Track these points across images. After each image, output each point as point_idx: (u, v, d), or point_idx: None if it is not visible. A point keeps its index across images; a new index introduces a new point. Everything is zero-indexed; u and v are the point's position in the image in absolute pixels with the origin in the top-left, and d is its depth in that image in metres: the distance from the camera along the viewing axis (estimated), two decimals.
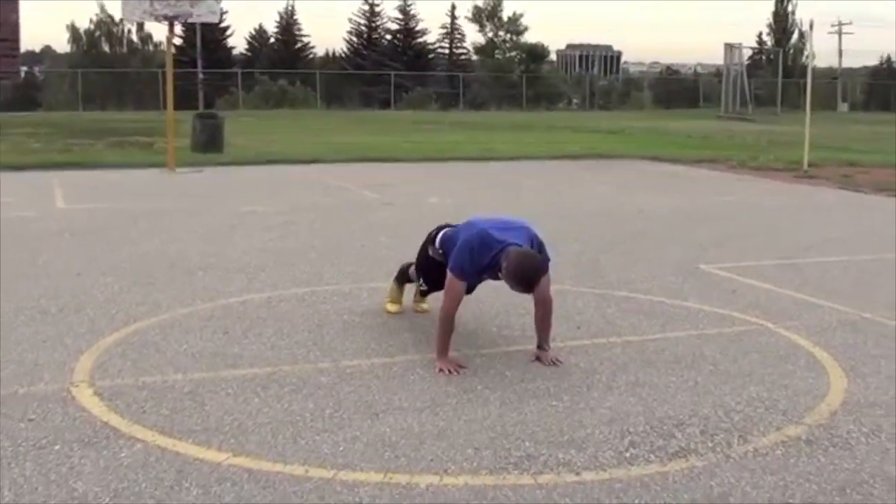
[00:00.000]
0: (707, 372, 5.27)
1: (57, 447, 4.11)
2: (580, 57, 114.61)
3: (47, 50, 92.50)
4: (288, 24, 69.49)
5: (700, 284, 7.60)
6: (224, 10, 65.27)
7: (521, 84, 58.80)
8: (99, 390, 4.87)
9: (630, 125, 33.36)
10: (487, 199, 13.19)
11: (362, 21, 69.53)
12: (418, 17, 69.79)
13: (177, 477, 3.82)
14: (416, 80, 59.54)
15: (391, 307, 6.50)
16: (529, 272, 5.09)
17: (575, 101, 66.97)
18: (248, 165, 18.20)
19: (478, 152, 21.50)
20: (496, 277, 5.28)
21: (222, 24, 65.60)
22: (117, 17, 55.95)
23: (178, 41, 63.77)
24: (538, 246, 5.31)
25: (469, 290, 5.55)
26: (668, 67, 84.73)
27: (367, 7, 69.32)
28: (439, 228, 5.90)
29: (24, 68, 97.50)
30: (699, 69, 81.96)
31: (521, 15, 66.57)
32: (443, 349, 5.28)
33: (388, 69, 60.92)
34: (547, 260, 5.38)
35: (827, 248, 9.35)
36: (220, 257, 8.50)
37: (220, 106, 51.08)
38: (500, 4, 66.22)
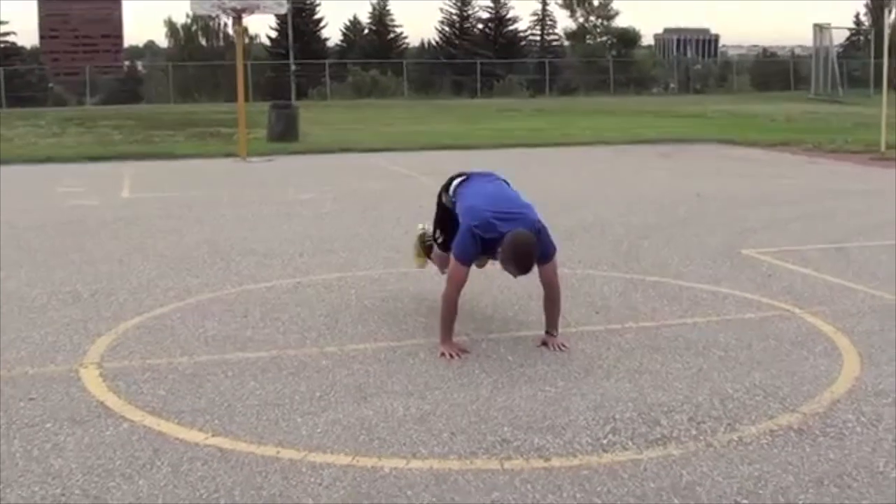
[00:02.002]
0: (715, 358, 5.14)
1: (49, 425, 4.24)
2: (678, 41, 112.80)
3: (150, 45, 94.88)
4: (381, 14, 69.97)
5: (737, 269, 7.43)
6: (317, 1, 66.39)
7: (609, 69, 58.11)
8: (105, 371, 4.99)
9: (716, 108, 32.70)
10: (543, 185, 13.04)
11: (454, 11, 69.57)
12: (509, 5, 69.43)
13: (152, 456, 3.90)
14: (507, 68, 59.33)
15: (417, 260, 6.66)
16: (521, 254, 5.07)
17: (672, 85, 65.90)
18: (321, 154, 18.38)
19: (553, 138, 21.34)
20: (490, 253, 5.29)
21: (316, 16, 66.52)
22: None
23: (272, 33, 64.98)
24: (538, 232, 5.25)
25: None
26: (765, 50, 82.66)
27: None
28: (454, 177, 5.89)
29: (127, 63, 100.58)
30: (798, 51, 79.83)
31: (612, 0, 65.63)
32: (446, 333, 5.27)
33: (479, 58, 60.90)
34: (550, 247, 5.32)
35: (880, 232, 9.01)
36: (262, 244, 8.62)
37: (313, 97, 51.80)
38: None
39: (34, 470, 3.76)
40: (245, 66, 49.43)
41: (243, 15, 16.35)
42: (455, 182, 5.81)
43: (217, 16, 63.28)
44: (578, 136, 21.62)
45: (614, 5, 65.51)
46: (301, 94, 53.87)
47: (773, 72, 66.26)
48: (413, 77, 60.95)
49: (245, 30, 69.37)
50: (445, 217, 5.87)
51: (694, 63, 75.85)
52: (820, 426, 4.17)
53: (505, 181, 5.86)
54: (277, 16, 63.66)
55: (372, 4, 69.89)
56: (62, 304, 6.44)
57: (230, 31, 66.84)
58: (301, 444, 3.99)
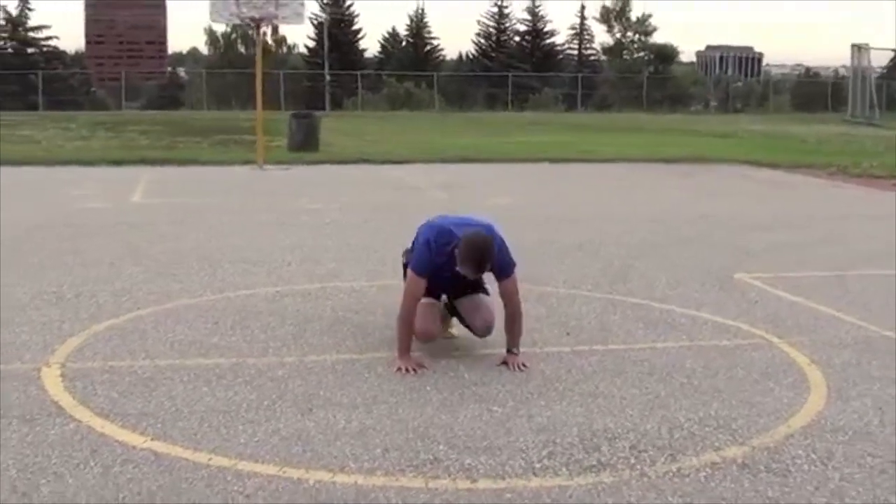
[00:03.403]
0: (676, 385, 5.07)
1: None
2: (720, 58, 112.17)
3: (193, 52, 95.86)
4: (418, 26, 70.25)
5: (724, 293, 7.34)
6: (355, 12, 66.79)
7: (646, 85, 57.88)
8: (66, 371, 5.04)
9: (748, 128, 32.45)
10: (551, 200, 13.09)
11: (491, 23, 69.71)
12: (546, 18, 69.48)
13: (88, 456, 3.94)
14: (543, 82, 59.28)
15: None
16: (474, 250, 5.03)
17: (713, 103, 65.51)
18: (338, 164, 18.44)
19: (575, 153, 21.27)
20: (455, 271, 5.18)
21: (354, 27, 66.94)
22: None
23: (310, 42, 65.54)
24: (497, 244, 5.21)
25: (436, 294, 5.49)
26: (808, 70, 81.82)
27: (495, 9, 69.48)
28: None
29: (169, 69, 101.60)
30: (842, 71, 78.98)
31: (650, 15, 65.41)
32: (403, 348, 5.24)
33: (515, 71, 60.92)
34: (509, 262, 5.28)
35: (886, 260, 8.86)
36: (253, 251, 8.65)
37: (348, 107, 52.09)
38: (628, 4, 65.36)
39: None
40: (279, 74, 50.19)
41: (261, 25, 16.45)
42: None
43: (252, 24, 63.99)
44: (601, 153, 21.53)
45: (652, 21, 65.17)
46: (336, 105, 54.24)
47: (814, 92, 65.62)
48: (448, 89, 61.10)
49: (283, 39, 70.11)
50: None
51: (734, 81, 75.37)
52: (766, 461, 4.08)
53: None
54: (315, 26, 64.66)
55: (409, 16, 70.25)
56: (44, 304, 6.51)
57: (269, 40, 67.76)
58: (234, 453, 3.98)
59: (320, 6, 64.85)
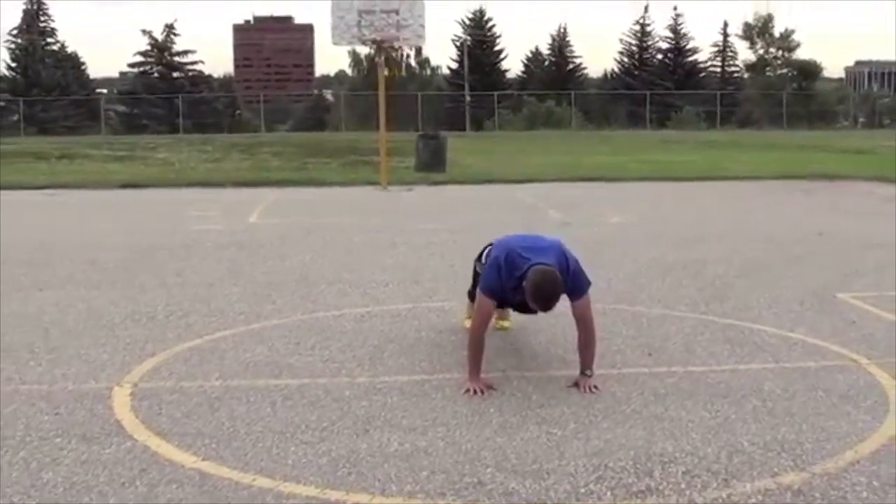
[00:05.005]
0: (749, 408, 4.87)
1: (58, 440, 4.42)
2: (869, 73, 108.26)
3: (340, 74, 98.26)
4: (560, 45, 70.16)
5: (822, 313, 7.02)
6: (497, 33, 67.17)
7: (788, 102, 56.29)
8: (137, 391, 5.17)
9: (885, 144, 31.10)
10: (665, 219, 12.84)
11: (633, 41, 69.08)
12: (689, 35, 68.37)
13: (136, 475, 4.01)
14: (687, 99, 58.31)
15: (466, 322, 6.46)
16: (543, 290, 4.94)
17: (861, 119, 63.25)
18: (463, 185, 18.56)
19: (704, 172, 20.84)
20: (524, 297, 5.14)
21: (496, 48, 67.37)
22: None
23: (452, 64, 66.27)
24: (569, 265, 5.13)
25: (506, 306, 5.47)
26: None
27: (637, 27, 68.83)
28: (487, 245, 5.83)
29: (316, 91, 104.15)
30: None
31: (793, 31, 63.59)
32: (473, 369, 5.20)
33: (656, 88, 60.14)
34: (582, 281, 5.18)
35: None
36: (354, 272, 8.75)
37: (488, 127, 52.44)
38: (771, 20, 63.78)
39: (22, 482, 3.93)
40: (416, 96, 50.89)
41: (383, 45, 16.70)
42: (487, 249, 5.73)
43: (399, 47, 65.25)
44: (730, 171, 21.04)
45: (795, 37, 63.40)
46: (477, 125, 54.63)
47: None
48: (591, 108, 60.76)
49: (427, 60, 71.23)
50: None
51: (882, 97, 72.61)
52: (823, 487, 3.87)
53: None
54: (457, 47, 65.32)
55: (552, 35, 70.18)
56: (133, 324, 6.73)
57: (412, 62, 68.83)
58: (279, 474, 4.01)
59: (462, 28, 65.60)
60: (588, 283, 5.26)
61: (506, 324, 6.36)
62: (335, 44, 16.19)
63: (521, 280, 5.06)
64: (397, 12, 15.88)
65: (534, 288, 4.96)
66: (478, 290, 5.28)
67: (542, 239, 5.39)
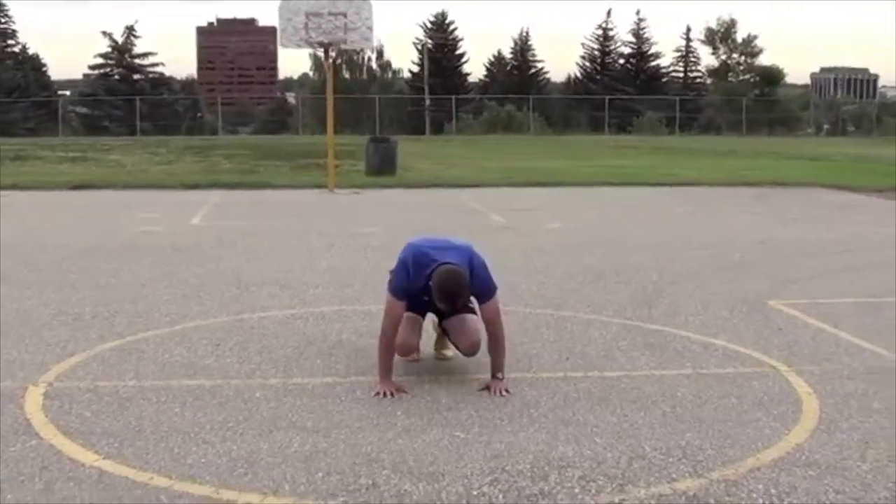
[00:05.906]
0: (658, 414, 4.92)
1: None
2: (834, 80, 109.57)
3: (304, 77, 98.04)
4: (523, 49, 70.46)
5: (749, 321, 7.09)
6: (459, 37, 67.33)
7: (750, 108, 56.83)
8: (51, 390, 5.14)
9: (844, 151, 31.53)
10: (606, 225, 12.91)
11: (595, 45, 69.49)
12: (651, 40, 68.95)
13: (35, 472, 4.02)
14: (648, 105, 58.71)
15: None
16: (447, 288, 4.98)
17: (826, 126, 63.92)
18: (411, 189, 18.56)
19: (655, 177, 21.01)
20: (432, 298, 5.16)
21: (458, 51, 67.50)
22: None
23: (414, 67, 66.36)
24: (474, 267, 5.15)
25: (422, 312, 5.46)
26: None
27: (600, 31, 69.26)
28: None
29: (279, 94, 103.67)
30: None
31: (756, 37, 64.27)
32: (384, 372, 5.20)
33: (617, 93, 60.49)
34: (489, 284, 5.21)
35: None
36: (286, 274, 8.74)
37: (448, 130, 52.49)
38: (734, 26, 64.39)
39: None
40: (374, 99, 50.81)
41: (330, 49, 16.70)
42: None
43: (361, 50, 65.18)
44: (681, 176, 21.23)
45: (758, 42, 64.06)
46: (437, 129, 54.70)
47: None
48: (551, 113, 61.02)
49: (388, 64, 71.22)
50: None
51: (846, 103, 73.52)
52: (719, 494, 3.90)
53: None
54: (418, 50, 65.40)
55: (514, 39, 70.50)
56: (59, 325, 6.68)
57: (374, 65, 68.78)
58: (176, 473, 4.00)
59: (423, 31, 65.71)
60: (494, 288, 5.28)
61: (448, 353, 5.89)
62: (283, 46, 16.16)
63: (429, 278, 5.08)
64: (345, 15, 15.89)
65: (439, 286, 4.99)
66: (387, 291, 5.29)
67: (451, 241, 5.41)
